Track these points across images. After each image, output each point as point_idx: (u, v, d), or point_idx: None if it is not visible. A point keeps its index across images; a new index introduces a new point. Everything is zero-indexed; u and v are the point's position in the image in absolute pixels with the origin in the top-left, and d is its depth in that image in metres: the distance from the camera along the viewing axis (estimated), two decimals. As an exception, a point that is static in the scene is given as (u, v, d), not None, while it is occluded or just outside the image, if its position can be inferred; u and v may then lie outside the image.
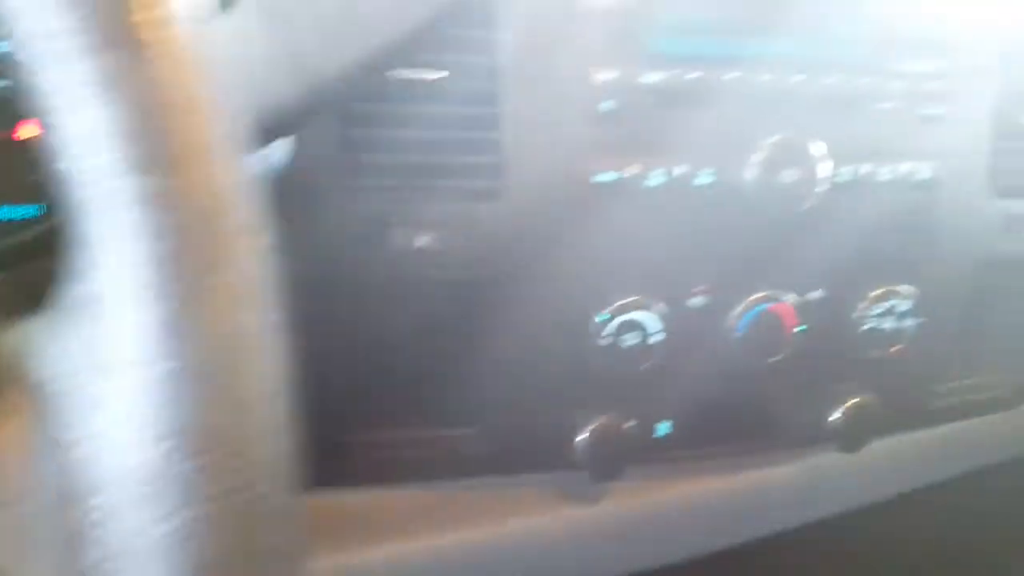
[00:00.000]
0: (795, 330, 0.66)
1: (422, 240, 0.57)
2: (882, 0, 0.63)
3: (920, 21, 0.63)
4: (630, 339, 0.62)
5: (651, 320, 0.62)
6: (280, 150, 0.55)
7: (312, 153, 0.55)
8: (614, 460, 0.67)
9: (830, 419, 0.71)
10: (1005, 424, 0.88)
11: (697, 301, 0.64)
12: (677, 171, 0.59)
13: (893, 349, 0.69)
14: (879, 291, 0.67)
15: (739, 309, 0.64)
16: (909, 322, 0.68)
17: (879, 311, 0.67)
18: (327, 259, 0.57)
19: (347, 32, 0.36)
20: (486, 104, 0.57)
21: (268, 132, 0.38)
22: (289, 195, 0.55)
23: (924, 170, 0.65)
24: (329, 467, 0.64)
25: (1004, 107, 0.69)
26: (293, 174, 0.55)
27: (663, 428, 0.70)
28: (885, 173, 0.64)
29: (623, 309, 0.61)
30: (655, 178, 0.59)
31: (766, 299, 0.64)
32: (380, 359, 0.63)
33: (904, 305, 0.67)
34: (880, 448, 0.82)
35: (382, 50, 0.37)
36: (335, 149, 0.55)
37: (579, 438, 0.65)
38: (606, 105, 0.58)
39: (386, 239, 0.57)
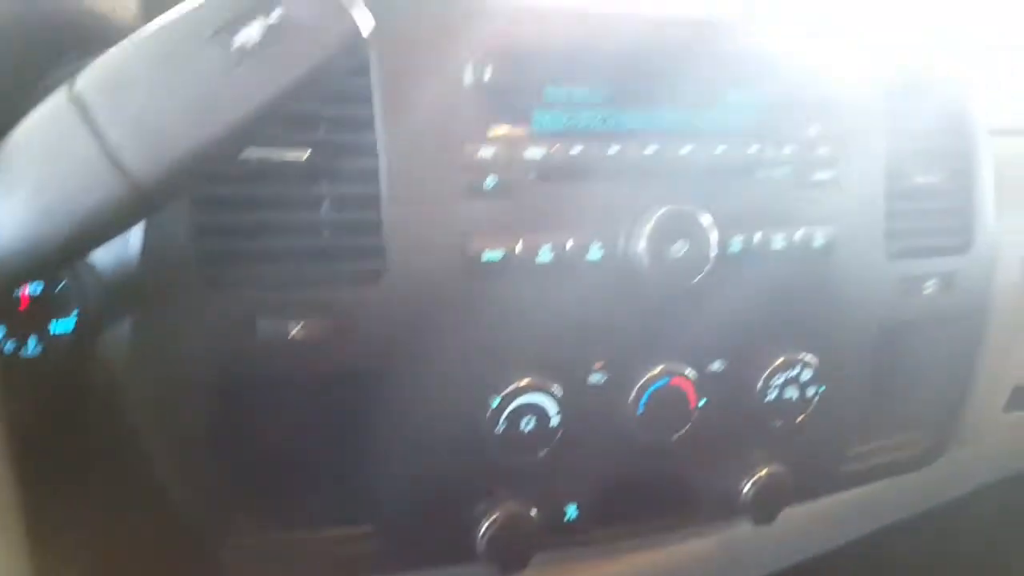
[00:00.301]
0: (697, 404, 0.63)
1: (295, 330, 0.53)
2: (767, 67, 0.63)
3: (806, 86, 0.63)
4: (527, 424, 0.59)
5: (548, 402, 0.59)
6: (130, 242, 0.50)
7: (163, 244, 0.50)
8: (520, 549, 0.63)
9: (741, 492, 0.69)
10: (917, 480, 0.87)
11: (595, 379, 0.62)
12: (566, 247, 0.57)
13: (799, 419, 0.67)
14: (781, 360, 0.65)
15: (638, 386, 0.61)
16: (812, 390, 0.67)
17: (782, 381, 0.66)
18: (192, 357, 0.53)
19: (165, 131, 0.32)
20: (363, 183, 0.53)
21: (89, 238, 0.34)
22: (144, 290, 0.51)
23: (819, 236, 0.65)
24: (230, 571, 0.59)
25: (895, 167, 0.69)
26: (146, 267, 0.50)
27: (571, 511, 0.67)
28: (779, 241, 0.63)
29: (518, 393, 0.58)
30: (544, 255, 0.57)
31: (665, 374, 0.62)
32: (260, 458, 0.58)
33: (807, 374, 0.66)
34: (796, 512, 0.81)
35: (210, 146, 0.33)
36: (189, 238, 0.50)
37: (482, 529, 0.61)
38: (489, 182, 0.55)
39: (255, 331, 0.53)
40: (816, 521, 0.86)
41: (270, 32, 0.33)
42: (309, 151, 0.51)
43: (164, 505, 0.56)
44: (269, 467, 0.58)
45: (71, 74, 0.34)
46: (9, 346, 0.50)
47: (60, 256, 0.35)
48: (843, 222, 0.66)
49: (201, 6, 0.33)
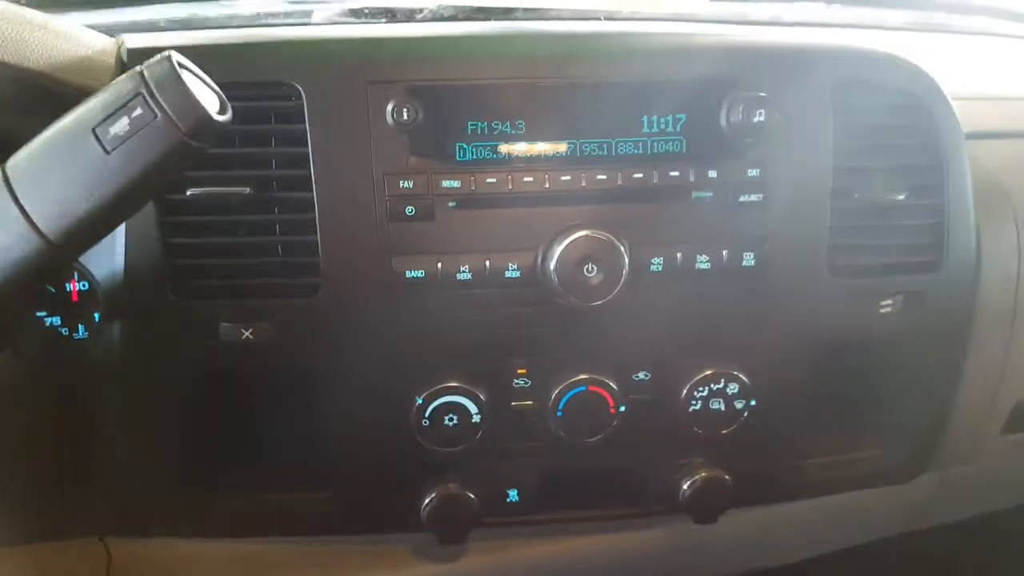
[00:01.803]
0: (617, 410, 0.68)
1: (247, 333, 0.64)
2: (693, 91, 0.65)
3: (732, 107, 0.64)
4: (450, 420, 0.66)
5: (468, 402, 0.66)
6: (117, 259, 0.63)
7: (143, 261, 0.62)
8: (459, 524, 0.72)
9: (680, 491, 0.73)
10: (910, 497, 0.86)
11: (517, 384, 0.68)
12: (483, 267, 0.64)
13: (727, 429, 0.70)
14: (706, 374, 0.68)
15: (557, 391, 0.67)
16: (741, 404, 0.69)
17: (706, 393, 0.69)
18: (170, 353, 0.65)
19: (67, 202, 0.43)
20: (301, 211, 0.63)
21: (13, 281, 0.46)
22: (130, 298, 0.64)
23: (747, 256, 0.66)
24: (204, 521, 0.72)
25: (844, 185, 0.69)
26: (130, 280, 0.63)
27: (512, 495, 0.74)
28: (703, 261, 0.66)
29: (440, 393, 0.66)
30: (463, 273, 0.64)
31: (584, 382, 0.67)
32: (231, 434, 0.71)
33: (734, 387, 0.69)
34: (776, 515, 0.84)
35: (100, 211, 0.44)
36: (162, 257, 0.62)
37: (424, 504, 0.71)
38: (410, 210, 0.63)
39: (218, 333, 0.64)
40: (792, 526, 0.87)
41: (134, 123, 0.42)
42: (249, 188, 0.61)
43: (161, 466, 0.70)
44: (240, 441, 0.71)
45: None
46: (64, 331, 0.64)
47: None
48: (776, 241, 0.67)
49: (88, 107, 0.43)
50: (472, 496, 0.71)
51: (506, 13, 0.86)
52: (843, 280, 0.70)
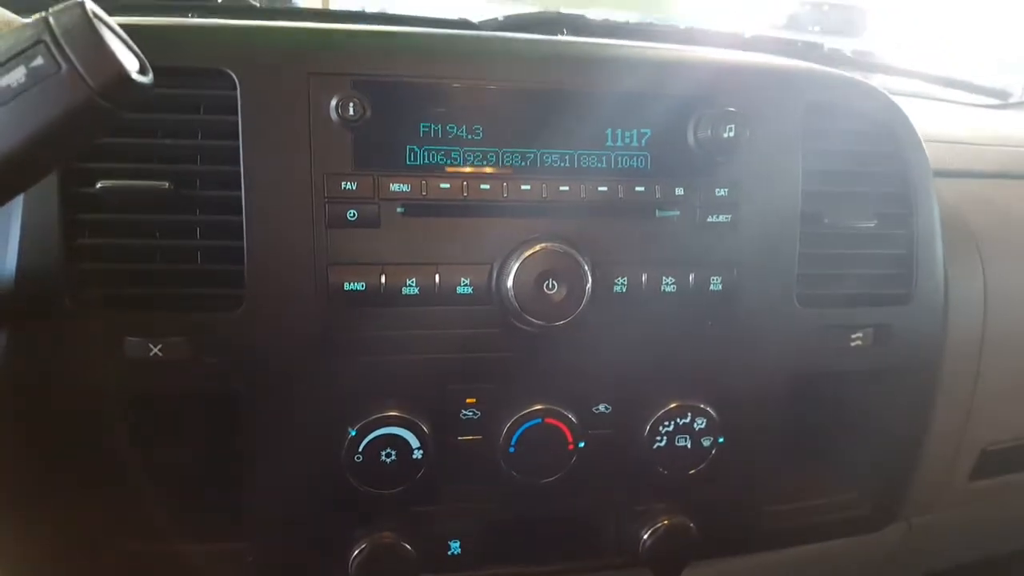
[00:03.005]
0: (576, 446, 0.62)
1: (156, 350, 0.55)
2: (659, 105, 0.61)
3: (701, 123, 0.60)
4: (387, 456, 0.59)
5: (409, 436, 0.59)
6: (7, 263, 0.54)
7: (38, 265, 0.54)
8: (392, 581, 0.63)
9: (640, 541, 0.67)
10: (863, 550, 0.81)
11: (465, 415, 0.61)
12: (432, 281, 0.57)
13: (694, 469, 0.65)
14: (671, 406, 0.63)
15: (509, 424, 0.60)
16: (708, 440, 0.64)
17: (671, 428, 0.63)
18: (62, 372, 0.56)
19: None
20: (226, 212, 0.56)
21: None
22: (17, 307, 0.55)
23: (714, 280, 0.62)
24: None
25: (813, 211, 0.66)
26: (20, 286, 0.54)
27: (455, 547, 0.66)
28: (669, 284, 0.61)
29: (378, 424, 0.58)
30: (410, 287, 0.57)
31: (540, 414, 0.61)
32: (135, 471, 0.61)
33: (701, 422, 0.63)
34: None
35: None
36: (61, 260, 0.54)
37: (352, 557, 0.62)
38: (352, 214, 0.56)
39: (123, 350, 0.55)
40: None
41: (32, 75, 0.35)
42: (168, 182, 0.54)
43: (42, 507, 0.60)
44: (140, 477, 0.61)
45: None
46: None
47: None
48: (744, 266, 0.63)
49: None
50: (409, 547, 0.62)
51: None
52: (812, 310, 0.66)
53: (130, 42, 0.40)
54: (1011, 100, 1.39)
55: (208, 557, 0.62)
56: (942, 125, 0.95)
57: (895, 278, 0.69)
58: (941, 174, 0.76)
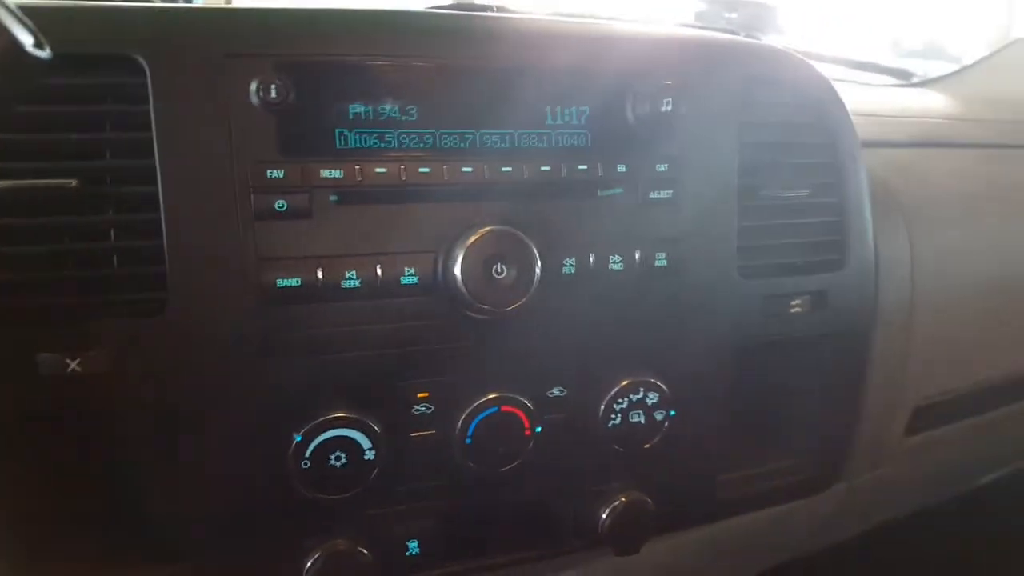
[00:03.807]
0: (533, 431, 0.60)
1: (74, 365, 0.50)
2: (596, 84, 0.60)
3: (639, 103, 0.60)
4: (337, 460, 0.56)
5: (360, 436, 0.56)
6: None
7: None
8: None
9: (600, 521, 0.66)
10: (817, 510, 0.83)
11: (417, 410, 0.59)
12: (373, 273, 0.54)
13: (648, 444, 0.64)
14: (623, 384, 0.62)
15: (465, 415, 0.58)
16: (661, 415, 0.64)
17: (625, 405, 0.62)
18: None
19: None
20: (143, 210, 0.51)
21: None
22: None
23: (659, 256, 0.62)
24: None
25: (749, 183, 0.66)
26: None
27: (413, 547, 0.64)
28: (616, 262, 0.60)
29: (325, 427, 0.55)
30: (350, 280, 0.54)
31: (495, 402, 0.59)
32: (65, 493, 0.56)
33: (653, 397, 0.63)
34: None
35: None
36: None
37: (305, 569, 0.58)
38: (281, 205, 0.53)
39: (36, 366, 0.50)
40: (711, 552, 0.82)
41: None
42: (76, 180, 0.49)
43: None
44: (69, 500, 0.56)
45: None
46: None
47: None
48: (687, 241, 0.63)
49: None
50: (365, 552, 0.59)
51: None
52: (752, 281, 0.67)
53: (23, 17, 0.36)
54: (913, 80, 1.48)
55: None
56: (858, 100, 0.99)
57: (829, 245, 0.71)
58: (864, 144, 0.78)
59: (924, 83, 1.32)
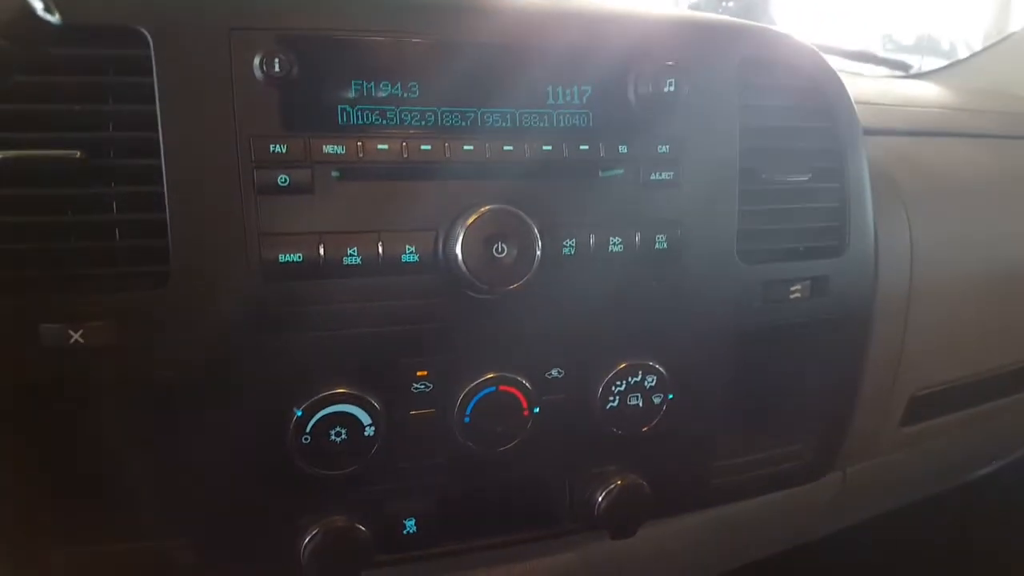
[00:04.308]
0: (531, 412, 0.61)
1: (77, 336, 0.51)
2: (598, 63, 0.60)
3: (640, 79, 0.60)
4: (337, 435, 0.56)
5: (360, 412, 0.56)
6: None
7: None
8: (346, 565, 0.60)
9: (596, 503, 0.66)
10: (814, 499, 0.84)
11: (417, 388, 0.59)
12: (375, 250, 0.55)
13: (646, 427, 0.64)
14: (622, 366, 0.62)
15: (464, 394, 0.59)
16: (659, 398, 0.64)
17: (623, 387, 0.63)
18: None
19: None
20: (146, 183, 0.51)
21: None
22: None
23: (660, 239, 0.62)
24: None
25: (751, 166, 0.66)
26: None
27: (410, 525, 0.64)
28: (616, 244, 0.60)
29: (324, 403, 0.55)
30: (351, 257, 0.54)
31: (494, 382, 0.59)
32: (63, 469, 0.56)
33: (652, 380, 0.63)
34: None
35: None
36: None
37: (303, 544, 0.58)
38: (283, 179, 0.53)
39: (38, 337, 0.50)
40: (696, 541, 0.82)
41: None
42: (80, 151, 0.49)
43: None
44: (67, 474, 0.56)
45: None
46: None
47: None
48: (687, 224, 0.63)
49: None
50: (363, 529, 0.60)
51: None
52: (752, 266, 0.67)
53: None
54: (911, 71, 1.48)
55: (146, 556, 0.58)
56: (857, 89, 0.99)
57: (829, 231, 0.71)
58: (864, 132, 0.78)
59: (921, 75, 1.32)
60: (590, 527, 0.67)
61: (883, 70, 1.49)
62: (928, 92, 1.11)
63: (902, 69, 1.48)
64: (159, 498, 0.57)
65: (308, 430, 0.55)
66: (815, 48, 0.71)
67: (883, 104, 0.92)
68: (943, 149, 0.89)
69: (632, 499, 0.66)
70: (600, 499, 0.66)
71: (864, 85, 1.10)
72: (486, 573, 0.69)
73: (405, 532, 0.64)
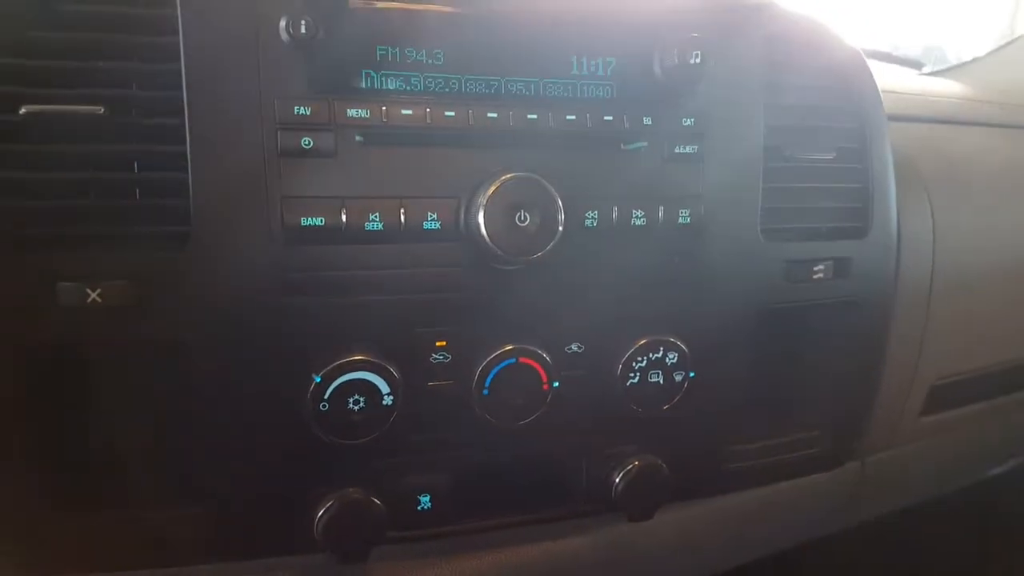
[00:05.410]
0: (551, 386, 0.60)
1: (95, 295, 0.50)
2: (624, 34, 0.59)
3: (667, 56, 0.59)
4: (356, 403, 0.55)
5: (379, 381, 0.55)
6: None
7: None
8: (361, 539, 0.59)
9: (614, 484, 0.65)
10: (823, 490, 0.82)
11: (436, 359, 0.58)
12: (397, 217, 0.54)
13: (667, 404, 0.63)
14: (643, 342, 0.61)
15: (483, 365, 0.58)
16: (680, 375, 0.63)
17: (644, 363, 0.62)
18: None
19: None
20: (169, 142, 0.51)
21: None
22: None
23: (683, 213, 0.61)
24: (50, 554, 0.55)
25: (776, 144, 0.66)
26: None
27: (425, 501, 0.63)
28: (639, 217, 0.60)
29: (343, 369, 0.54)
30: (373, 223, 0.54)
31: (513, 353, 0.58)
32: (77, 433, 0.55)
33: (673, 357, 0.62)
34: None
35: None
36: None
37: (317, 516, 0.58)
38: (307, 142, 0.52)
39: (55, 296, 0.50)
40: (712, 528, 0.81)
41: None
42: (103, 107, 0.49)
43: None
44: (81, 440, 0.55)
45: None
46: None
47: None
48: (711, 199, 0.62)
49: None
50: (379, 503, 0.59)
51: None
52: (775, 244, 0.66)
53: None
54: (924, 70, 1.47)
55: (161, 524, 0.57)
56: (878, 77, 0.99)
57: (852, 212, 0.70)
58: (888, 118, 0.78)
59: (935, 73, 1.31)
60: (607, 508, 0.66)
61: (897, 68, 1.48)
62: (947, 85, 1.10)
63: (915, 67, 1.48)
64: (175, 464, 0.57)
65: (326, 397, 0.54)
66: (839, 32, 0.70)
67: (906, 93, 0.91)
68: (965, 138, 0.89)
69: (650, 480, 0.65)
70: (618, 480, 0.65)
71: (884, 74, 1.09)
72: (498, 555, 0.68)
73: (420, 508, 0.63)
